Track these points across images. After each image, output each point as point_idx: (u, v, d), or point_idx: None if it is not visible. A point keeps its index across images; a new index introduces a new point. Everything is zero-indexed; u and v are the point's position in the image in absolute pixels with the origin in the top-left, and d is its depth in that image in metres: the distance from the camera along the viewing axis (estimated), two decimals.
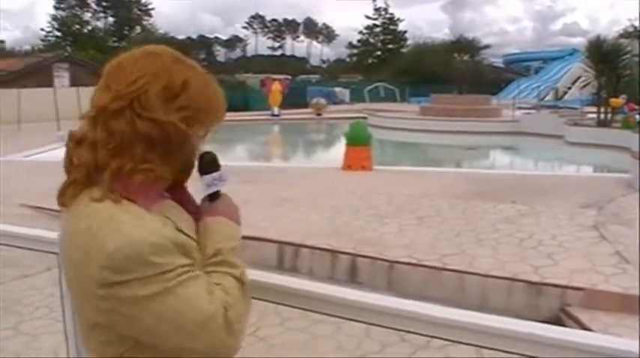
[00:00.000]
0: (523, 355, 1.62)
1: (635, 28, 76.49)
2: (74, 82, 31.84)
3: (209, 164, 1.63)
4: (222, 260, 1.49)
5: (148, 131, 1.41)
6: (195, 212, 1.62)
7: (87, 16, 71.28)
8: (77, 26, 67.28)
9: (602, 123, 22.64)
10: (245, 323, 1.48)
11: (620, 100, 23.00)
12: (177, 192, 1.63)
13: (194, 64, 1.54)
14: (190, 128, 1.46)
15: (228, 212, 1.61)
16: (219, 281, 1.44)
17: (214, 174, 1.62)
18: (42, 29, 67.98)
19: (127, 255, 1.31)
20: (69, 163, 1.47)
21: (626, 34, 61.80)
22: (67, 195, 1.46)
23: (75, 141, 1.46)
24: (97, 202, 1.39)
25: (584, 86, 28.03)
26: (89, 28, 69.03)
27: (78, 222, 1.40)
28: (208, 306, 1.37)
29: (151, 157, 1.42)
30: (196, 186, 1.67)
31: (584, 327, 5.20)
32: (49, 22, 67.02)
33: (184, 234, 1.46)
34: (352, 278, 6.92)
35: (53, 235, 2.52)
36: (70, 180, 1.46)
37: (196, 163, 1.61)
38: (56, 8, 68.18)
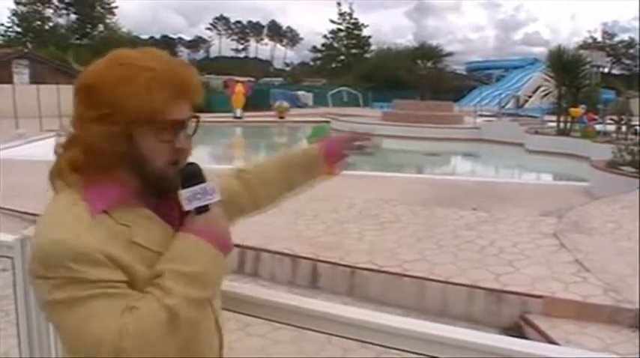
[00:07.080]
0: None
1: (594, 39, 78.15)
2: (34, 80, 31.29)
3: (189, 177, 1.46)
4: (157, 283, 1.36)
5: (76, 134, 1.45)
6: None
7: (48, 12, 70.24)
8: (38, 22, 66.36)
9: (561, 132, 22.96)
10: (156, 354, 1.31)
11: (579, 110, 23.34)
12: (164, 204, 1.51)
13: (113, 59, 1.44)
14: (105, 127, 1.38)
15: (203, 230, 1.43)
16: (141, 304, 1.32)
17: (195, 188, 1.45)
18: (1, 24, 66.93)
19: (50, 252, 1.32)
20: None
21: (585, 45, 63.22)
22: None
23: None
24: (58, 194, 1.45)
25: (545, 95, 28.34)
26: (50, 24, 68.08)
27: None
28: (100, 330, 1.28)
29: (87, 160, 1.42)
30: None
31: (543, 335, 5.22)
32: (9, 18, 66.00)
33: (142, 247, 1.40)
34: (313, 283, 6.87)
35: (7, 238, 2.40)
36: None
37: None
38: (17, 3, 66.92)
